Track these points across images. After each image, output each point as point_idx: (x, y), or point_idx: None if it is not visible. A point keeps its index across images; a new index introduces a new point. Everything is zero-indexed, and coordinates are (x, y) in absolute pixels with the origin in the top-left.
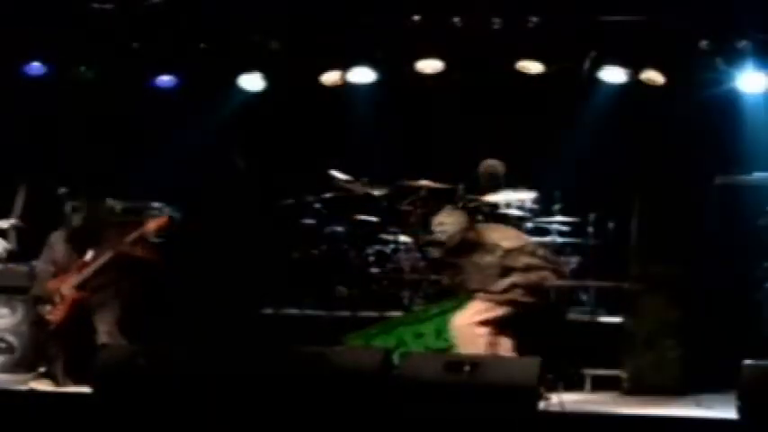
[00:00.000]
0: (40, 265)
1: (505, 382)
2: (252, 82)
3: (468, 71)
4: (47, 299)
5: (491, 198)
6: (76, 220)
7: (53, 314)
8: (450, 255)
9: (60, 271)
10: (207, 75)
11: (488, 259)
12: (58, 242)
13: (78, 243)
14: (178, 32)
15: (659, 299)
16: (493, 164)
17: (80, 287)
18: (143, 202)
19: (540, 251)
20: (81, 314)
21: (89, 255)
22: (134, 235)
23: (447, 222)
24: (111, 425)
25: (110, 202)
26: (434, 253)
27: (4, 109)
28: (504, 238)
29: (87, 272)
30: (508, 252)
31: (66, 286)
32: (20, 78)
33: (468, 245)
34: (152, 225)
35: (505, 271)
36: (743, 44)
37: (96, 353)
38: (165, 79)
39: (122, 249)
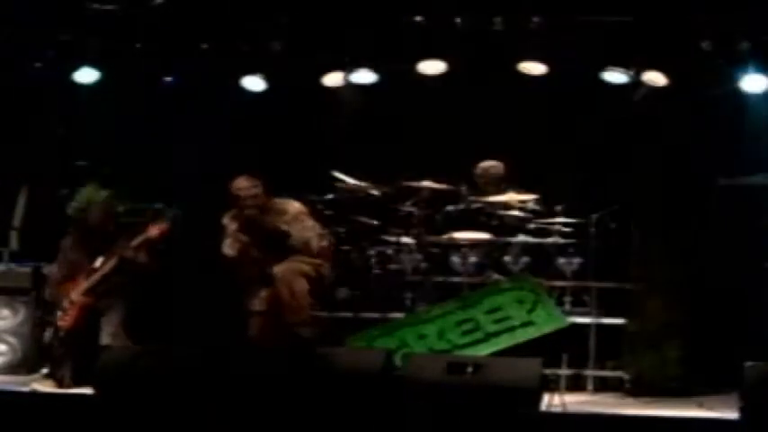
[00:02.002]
0: (53, 269)
1: (508, 383)
2: (253, 83)
3: (469, 72)
4: (57, 304)
5: (493, 199)
6: (87, 223)
7: (64, 319)
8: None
9: (70, 275)
10: (209, 76)
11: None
12: (67, 247)
13: (88, 247)
14: (180, 33)
15: (661, 300)
16: (492, 165)
17: (88, 292)
18: (145, 203)
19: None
20: (89, 318)
21: (98, 261)
22: (138, 240)
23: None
24: (114, 426)
25: (114, 203)
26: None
27: (7, 110)
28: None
29: (95, 277)
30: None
31: (76, 292)
32: (25, 79)
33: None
34: (155, 231)
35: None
36: (745, 45)
37: (101, 354)
38: (168, 80)
39: (127, 255)
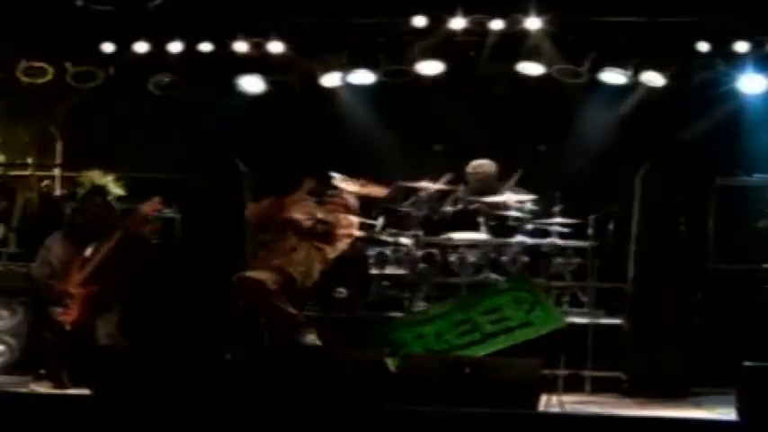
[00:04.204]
0: (36, 267)
1: (506, 384)
2: (252, 83)
3: (468, 72)
4: (55, 300)
5: (491, 200)
6: (75, 217)
7: (67, 315)
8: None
9: (59, 271)
10: (207, 76)
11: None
12: (54, 243)
13: (77, 241)
14: (179, 34)
15: (659, 300)
16: (483, 163)
17: (87, 282)
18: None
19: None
20: (94, 310)
21: (88, 250)
22: (133, 219)
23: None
24: (112, 427)
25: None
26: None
27: (5, 110)
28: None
29: (90, 266)
30: None
31: (72, 284)
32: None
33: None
34: (147, 208)
35: None
36: (742, 46)
37: (97, 354)
38: (166, 80)
39: (127, 228)
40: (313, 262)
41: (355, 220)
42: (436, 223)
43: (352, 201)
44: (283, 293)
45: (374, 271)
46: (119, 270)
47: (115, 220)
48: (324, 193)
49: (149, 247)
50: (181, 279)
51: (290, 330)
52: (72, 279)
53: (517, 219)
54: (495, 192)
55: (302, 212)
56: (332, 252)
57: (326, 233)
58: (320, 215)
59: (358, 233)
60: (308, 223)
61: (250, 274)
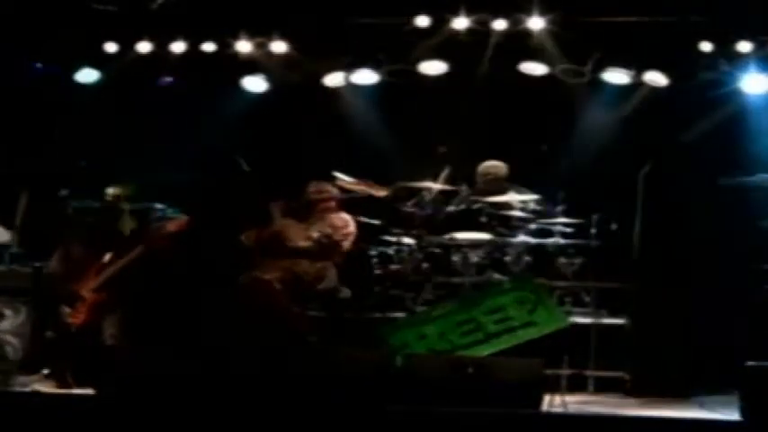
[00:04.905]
0: (52, 265)
1: (509, 383)
2: (255, 83)
3: (470, 72)
4: (66, 300)
5: (494, 199)
6: (93, 222)
7: (75, 317)
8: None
9: (75, 272)
10: (210, 76)
11: None
12: (74, 244)
13: (96, 245)
14: (181, 34)
15: (662, 300)
16: (494, 165)
17: (101, 288)
18: (146, 204)
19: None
20: (99, 315)
21: (107, 257)
22: (157, 233)
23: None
24: (115, 426)
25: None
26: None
27: (6, 110)
28: None
29: (107, 273)
30: None
31: (86, 289)
32: (22, 79)
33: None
34: (173, 225)
35: None
36: (745, 46)
37: (102, 355)
38: (168, 80)
39: (149, 243)
40: (324, 267)
41: (347, 216)
42: (439, 223)
43: (331, 188)
44: (289, 293)
45: (377, 271)
46: (132, 282)
47: (136, 230)
48: (301, 197)
49: (167, 263)
50: (186, 279)
51: (295, 330)
52: (87, 283)
53: (520, 218)
54: (502, 193)
55: (301, 237)
56: (339, 256)
57: (332, 244)
58: (316, 233)
59: (354, 229)
60: (313, 245)
61: (257, 273)
